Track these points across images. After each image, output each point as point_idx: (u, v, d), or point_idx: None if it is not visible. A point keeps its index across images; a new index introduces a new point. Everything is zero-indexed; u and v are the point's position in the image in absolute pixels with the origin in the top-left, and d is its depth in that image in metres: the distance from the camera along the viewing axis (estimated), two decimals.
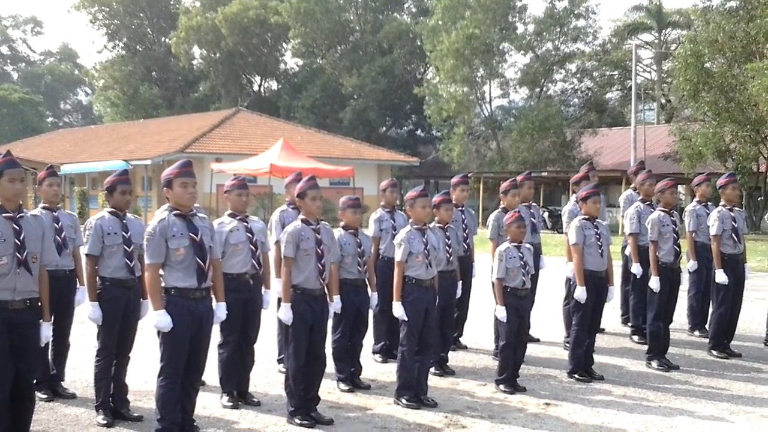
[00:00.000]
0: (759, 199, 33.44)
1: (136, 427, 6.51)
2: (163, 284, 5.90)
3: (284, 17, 53.23)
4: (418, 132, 58.91)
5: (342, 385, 7.73)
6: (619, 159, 42.73)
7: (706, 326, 10.17)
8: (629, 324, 10.58)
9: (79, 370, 7.98)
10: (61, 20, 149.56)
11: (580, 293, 8.18)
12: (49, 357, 7.18)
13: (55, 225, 7.04)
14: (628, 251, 10.02)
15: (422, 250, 7.25)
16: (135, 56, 64.58)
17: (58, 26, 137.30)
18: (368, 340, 8.41)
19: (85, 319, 6.76)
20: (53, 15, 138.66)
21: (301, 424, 6.57)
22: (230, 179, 7.47)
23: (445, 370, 8.40)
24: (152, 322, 5.86)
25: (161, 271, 5.91)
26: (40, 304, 5.48)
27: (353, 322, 7.73)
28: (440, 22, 43.78)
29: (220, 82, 59.10)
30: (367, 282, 7.84)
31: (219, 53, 58.14)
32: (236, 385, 7.19)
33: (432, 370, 7.95)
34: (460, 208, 9.18)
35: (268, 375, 8.21)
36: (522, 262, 7.77)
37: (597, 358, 8.65)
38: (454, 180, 9.49)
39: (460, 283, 8.50)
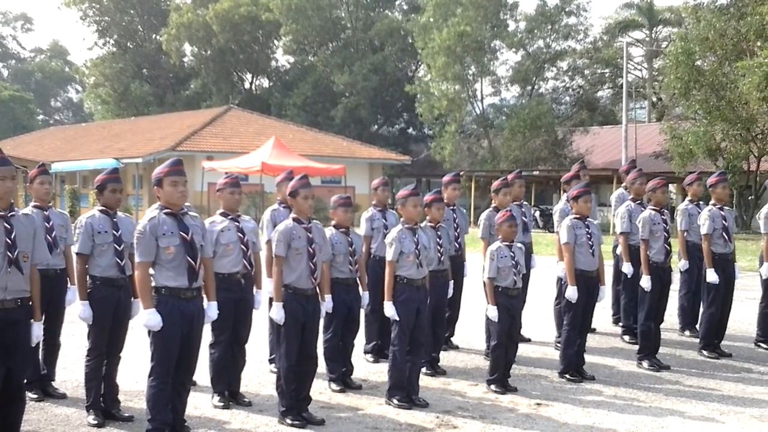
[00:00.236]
0: (750, 198, 33.52)
1: (127, 428, 6.49)
2: (153, 283, 5.88)
3: (275, 14, 53.16)
4: (410, 130, 58.93)
5: (333, 385, 7.72)
6: (610, 157, 42.79)
7: (697, 326, 10.19)
8: (620, 324, 10.59)
9: (70, 369, 7.95)
10: (52, 17, 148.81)
11: (571, 293, 8.19)
12: (40, 356, 7.15)
13: (46, 224, 7.00)
14: (619, 251, 10.03)
15: (413, 250, 7.25)
16: (126, 53, 64.33)
17: (49, 23, 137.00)
18: (360, 340, 8.41)
19: (76, 319, 6.73)
20: (43, 12, 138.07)
21: (292, 425, 6.56)
22: (223, 177, 7.45)
23: (436, 370, 8.39)
24: (142, 321, 5.85)
25: (152, 270, 5.89)
26: (31, 303, 5.44)
27: (344, 321, 7.72)
28: (432, 20, 43.77)
29: (212, 79, 58.95)
30: (358, 281, 7.83)
31: (210, 50, 58.00)
32: (227, 385, 7.18)
33: (423, 370, 7.95)
34: (451, 207, 9.17)
35: (259, 375, 8.20)
36: (513, 262, 7.77)
37: (588, 358, 8.66)
38: (445, 179, 9.48)
39: (451, 282, 8.51)
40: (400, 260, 7.27)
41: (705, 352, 9.46)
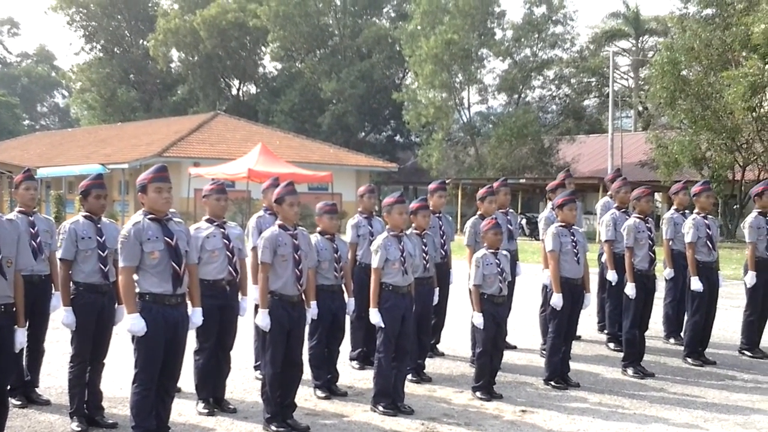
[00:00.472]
0: (735, 207, 33.69)
1: None
2: (137, 289, 5.86)
3: (263, 21, 53.14)
4: (397, 137, 59.00)
5: (319, 392, 7.71)
6: (596, 166, 42.94)
7: (682, 334, 10.23)
8: (605, 331, 10.62)
9: (54, 376, 7.91)
10: (38, 21, 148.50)
11: (556, 300, 8.21)
12: (24, 363, 7.10)
13: (31, 229, 6.98)
14: (604, 258, 10.06)
15: (399, 257, 7.25)
16: (112, 59, 64.18)
17: (35, 28, 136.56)
18: (345, 347, 8.40)
19: (61, 325, 6.69)
20: (30, 16, 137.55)
21: (277, 431, 6.55)
22: (209, 183, 7.44)
23: (422, 377, 8.40)
24: (126, 326, 5.82)
25: (136, 276, 5.87)
26: (14, 309, 5.41)
27: (330, 328, 7.71)
28: (419, 27, 43.89)
29: (198, 85, 58.89)
30: (343, 288, 7.83)
31: (197, 56, 57.93)
32: (212, 392, 7.17)
33: (409, 377, 7.96)
34: (437, 215, 9.19)
35: (244, 382, 8.18)
36: (499, 269, 7.79)
37: (573, 365, 8.68)
38: (431, 186, 9.49)
39: (437, 289, 8.53)
40: (385, 267, 7.27)
41: (689, 360, 9.50)
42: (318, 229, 7.74)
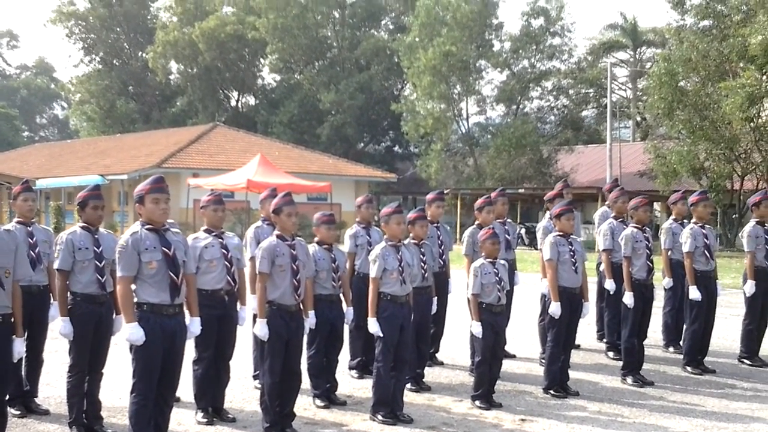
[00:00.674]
0: (734, 216, 33.71)
1: None
2: (135, 299, 5.87)
3: (262, 33, 53.25)
4: (396, 148, 59.08)
5: (318, 401, 7.71)
6: (595, 176, 42.98)
7: (681, 343, 10.23)
8: (604, 340, 10.62)
9: (53, 386, 7.91)
10: (38, 34, 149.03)
11: (555, 308, 8.23)
12: (23, 373, 7.11)
13: (30, 240, 7.01)
14: (602, 267, 10.07)
15: (397, 267, 7.27)
16: (111, 70, 64.32)
17: (35, 40, 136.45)
18: (344, 356, 8.40)
19: (59, 335, 6.70)
20: (29, 28, 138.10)
21: None
22: (206, 194, 7.46)
23: (421, 386, 8.40)
24: (124, 336, 5.83)
25: (133, 286, 5.88)
26: (12, 319, 5.42)
27: (328, 337, 7.72)
28: (417, 39, 43.95)
29: (197, 97, 58.99)
30: (342, 297, 7.84)
31: (196, 68, 58.05)
32: (211, 402, 7.16)
33: (408, 386, 7.96)
34: (435, 225, 9.21)
35: (243, 391, 8.18)
36: (497, 278, 7.81)
37: (572, 374, 8.68)
38: (429, 196, 9.51)
39: (435, 299, 8.54)
40: (383, 277, 7.28)
41: (689, 368, 9.50)
42: (316, 239, 7.76)
